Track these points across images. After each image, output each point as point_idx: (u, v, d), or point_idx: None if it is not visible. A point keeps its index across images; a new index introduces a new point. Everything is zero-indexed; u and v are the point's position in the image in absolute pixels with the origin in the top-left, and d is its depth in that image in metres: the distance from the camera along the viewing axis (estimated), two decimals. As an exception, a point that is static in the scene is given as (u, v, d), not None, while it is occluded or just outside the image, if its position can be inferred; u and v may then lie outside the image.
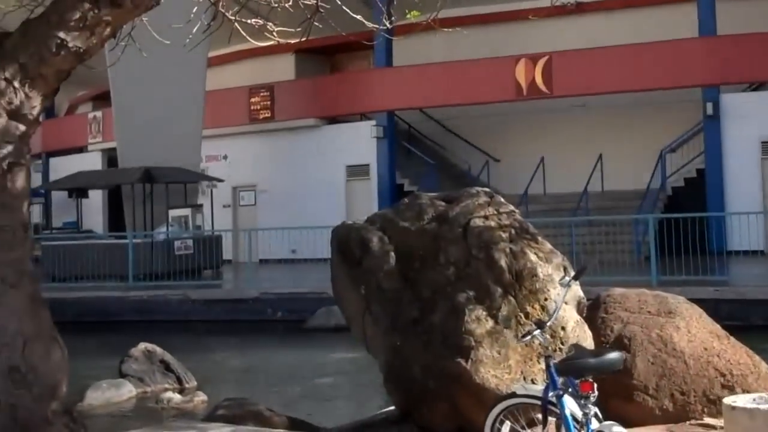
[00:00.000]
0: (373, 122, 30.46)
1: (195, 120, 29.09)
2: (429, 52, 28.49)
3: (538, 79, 27.29)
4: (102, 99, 38.57)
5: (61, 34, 7.21)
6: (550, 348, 6.73)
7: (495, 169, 30.35)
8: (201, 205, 28.35)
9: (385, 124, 30.19)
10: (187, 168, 28.10)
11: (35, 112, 7.53)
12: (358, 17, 9.10)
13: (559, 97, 27.54)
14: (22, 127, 7.37)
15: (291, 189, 31.21)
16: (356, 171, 30.82)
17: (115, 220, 32.77)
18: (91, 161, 35.98)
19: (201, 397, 13.15)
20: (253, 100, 32.61)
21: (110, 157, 34.84)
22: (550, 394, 6.22)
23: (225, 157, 32.97)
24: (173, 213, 27.11)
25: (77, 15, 7.23)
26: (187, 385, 14.13)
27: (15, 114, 7.32)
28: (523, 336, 6.67)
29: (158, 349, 14.40)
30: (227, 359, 17.70)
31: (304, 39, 9.13)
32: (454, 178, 29.81)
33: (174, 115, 28.33)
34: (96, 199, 35.10)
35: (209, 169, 31.75)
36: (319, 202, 30.09)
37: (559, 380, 6.20)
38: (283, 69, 34.25)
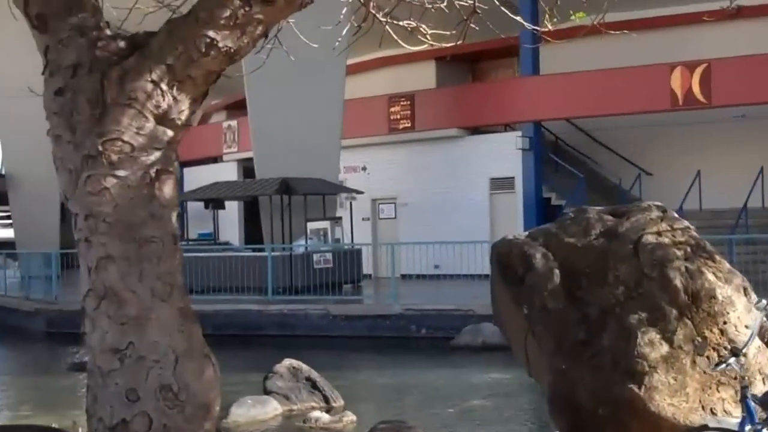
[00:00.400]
0: (519, 133, 29.56)
1: (334, 130, 28.76)
2: (577, 59, 27.56)
3: (696, 88, 26.05)
4: (236, 108, 38.66)
5: (211, 34, 6.78)
6: (746, 378, 6.29)
7: (647, 182, 29.21)
8: (340, 218, 27.99)
9: (531, 134, 29.22)
10: (325, 179, 27.78)
11: (183, 116, 7.10)
12: (518, 18, 8.56)
13: (718, 107, 26.27)
14: (170, 133, 6.95)
15: (432, 202, 30.55)
16: (500, 184, 29.98)
17: (251, 231, 32.70)
18: (226, 171, 35.89)
19: (350, 417, 12.67)
20: (392, 109, 32.03)
21: (245, 168, 34.84)
22: (747, 428, 5.80)
23: (364, 169, 32.51)
24: (312, 225, 26.80)
25: (227, 13, 6.81)
26: (334, 405, 13.67)
27: (163, 118, 6.90)
28: (717, 365, 6.33)
29: (304, 366, 13.97)
30: (373, 377, 17.15)
31: (459, 42, 8.61)
32: (604, 192, 28.87)
33: (312, 125, 28.06)
34: (232, 210, 35.06)
35: (347, 180, 31.36)
36: (461, 216, 29.39)
37: (759, 413, 5.78)
38: (423, 77, 33.71)
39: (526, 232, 8.83)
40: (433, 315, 20.84)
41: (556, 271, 8.04)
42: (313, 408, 13.35)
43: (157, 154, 6.85)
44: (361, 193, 28.99)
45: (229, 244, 30.99)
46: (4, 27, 35.86)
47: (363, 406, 13.69)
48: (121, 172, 6.70)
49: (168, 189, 6.95)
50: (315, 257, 25.29)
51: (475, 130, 31.32)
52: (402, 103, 31.87)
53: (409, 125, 31.61)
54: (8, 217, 60.08)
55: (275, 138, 28.20)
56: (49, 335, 24.10)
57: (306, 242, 26.06)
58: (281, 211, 26.48)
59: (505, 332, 8.93)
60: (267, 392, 13.52)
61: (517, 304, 8.28)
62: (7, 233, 62.06)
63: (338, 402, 13.78)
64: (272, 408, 13.15)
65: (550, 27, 8.68)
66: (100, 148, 6.68)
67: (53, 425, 11.77)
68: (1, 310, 27.82)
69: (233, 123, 36.82)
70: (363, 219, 30.97)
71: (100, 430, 6.74)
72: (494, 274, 8.73)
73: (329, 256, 25.60)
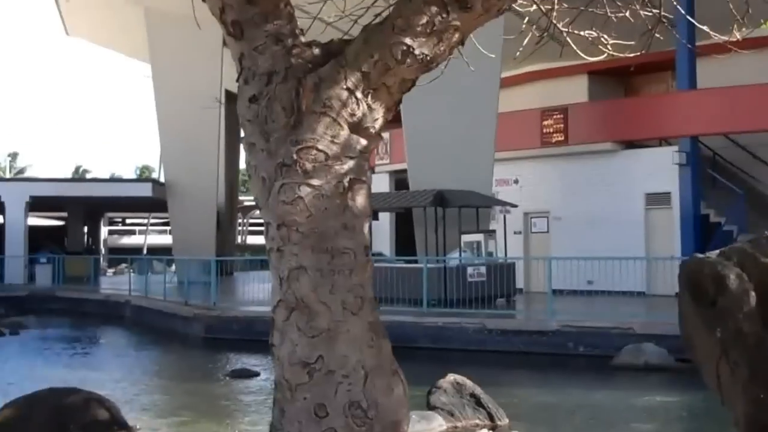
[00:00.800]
0: (675, 148, 28.84)
1: (487, 142, 28.57)
2: (736, 73, 26.74)
3: None
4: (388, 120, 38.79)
5: (407, 41, 6.66)
6: None
7: (809, 200, 28.20)
8: (494, 231, 27.71)
9: (688, 150, 28.48)
10: (478, 192, 27.53)
11: (377, 125, 6.97)
12: (704, 28, 8.23)
13: None
14: (363, 142, 6.82)
15: (585, 217, 30.08)
16: (656, 199, 29.27)
17: (403, 243, 32.68)
18: (378, 183, 36.03)
19: (517, 436, 12.29)
20: (545, 122, 31.65)
21: (397, 180, 34.88)
22: None
23: (516, 182, 32.22)
24: (465, 238, 26.60)
25: (424, 20, 6.68)
26: (499, 423, 13.28)
27: (356, 127, 6.78)
28: None
29: (468, 382, 13.65)
30: (533, 395, 16.71)
31: (642, 52, 8.33)
32: (764, 210, 27.97)
33: (466, 137, 27.99)
34: (384, 221, 35.16)
35: (499, 193, 31.05)
36: (615, 232, 28.86)
37: None
38: (575, 91, 33.29)
39: (718, 251, 8.44)
40: (591, 332, 20.30)
41: (752, 293, 7.62)
42: (478, 425, 13.00)
43: (350, 164, 6.73)
44: (515, 206, 28.63)
45: (382, 254, 30.98)
46: (170, 41, 37.06)
47: (527, 425, 13.25)
48: (315, 181, 6.58)
49: (361, 199, 6.82)
50: (469, 270, 25.05)
51: (630, 145, 30.69)
52: (555, 116, 31.47)
53: (562, 139, 31.19)
54: (166, 224, 61.70)
55: (429, 150, 28.20)
56: (207, 341, 24.39)
57: (460, 255, 25.87)
58: (435, 222, 26.36)
59: (694, 355, 8.47)
60: (431, 407, 13.24)
61: (708, 326, 7.83)
62: (164, 239, 63.86)
63: (503, 420, 13.41)
64: (437, 424, 12.86)
65: (739, 36, 8.32)
66: (295, 157, 6.57)
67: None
68: (160, 314, 28.34)
69: (386, 135, 36.90)
70: (515, 233, 30.60)
71: (287, 445, 6.61)
72: (683, 294, 8.30)
73: (483, 269, 25.35)
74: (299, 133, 6.65)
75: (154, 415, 14.81)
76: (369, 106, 6.84)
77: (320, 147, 6.65)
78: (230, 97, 44.28)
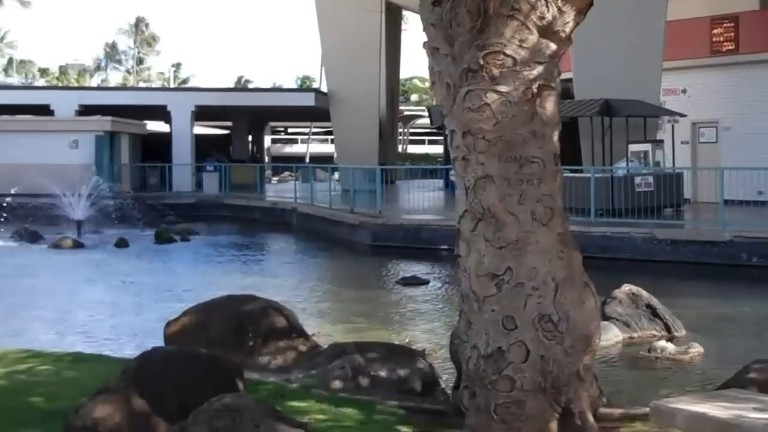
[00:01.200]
0: None
1: (654, 52, 27.73)
2: None
3: None
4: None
5: (598, -58, 6.38)
6: None
7: None
8: (662, 141, 27.07)
9: None
10: (645, 101, 26.86)
11: (567, 29, 6.76)
12: None
13: None
14: (553, 46, 6.64)
15: (756, 127, 29.08)
16: (833, 109, 28.10)
17: (564, 152, 32.21)
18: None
19: (697, 348, 11.96)
20: (715, 31, 30.55)
21: (561, 88, 34.31)
22: None
23: (684, 91, 31.27)
24: (633, 148, 26.09)
25: None
26: (676, 334, 13.01)
27: (546, 31, 6.58)
28: None
29: (644, 293, 13.39)
30: (706, 306, 16.24)
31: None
32: None
33: (632, 46, 27.30)
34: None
35: (666, 102, 30.23)
36: (787, 142, 27.82)
37: None
38: (745, -1, 31.91)
39: None
40: (765, 243, 19.71)
41: None
42: (654, 336, 12.77)
43: (539, 69, 6.55)
44: (684, 116, 27.88)
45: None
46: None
47: (705, 337, 12.81)
48: (502, 88, 6.42)
49: (550, 106, 6.65)
50: (637, 180, 24.58)
51: (802, 54, 29.44)
52: (725, 24, 30.38)
53: (733, 48, 30.13)
54: (327, 133, 62.13)
55: (595, 60, 27.61)
56: (373, 248, 24.59)
57: (627, 164, 25.38)
58: (602, 132, 25.90)
59: None
60: (606, 318, 13.02)
61: None
62: (325, 148, 64.46)
63: (680, 332, 13.12)
64: (613, 334, 12.67)
65: None
66: (481, 62, 6.42)
67: (394, 342, 11.86)
68: (326, 221, 28.72)
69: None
70: (682, 143, 29.84)
71: (474, 358, 6.52)
72: None
73: (651, 179, 24.84)
74: (485, 38, 6.48)
75: (329, 321, 14.96)
76: (559, 9, 6.63)
77: (508, 52, 6.48)
78: (389, 5, 44.14)
